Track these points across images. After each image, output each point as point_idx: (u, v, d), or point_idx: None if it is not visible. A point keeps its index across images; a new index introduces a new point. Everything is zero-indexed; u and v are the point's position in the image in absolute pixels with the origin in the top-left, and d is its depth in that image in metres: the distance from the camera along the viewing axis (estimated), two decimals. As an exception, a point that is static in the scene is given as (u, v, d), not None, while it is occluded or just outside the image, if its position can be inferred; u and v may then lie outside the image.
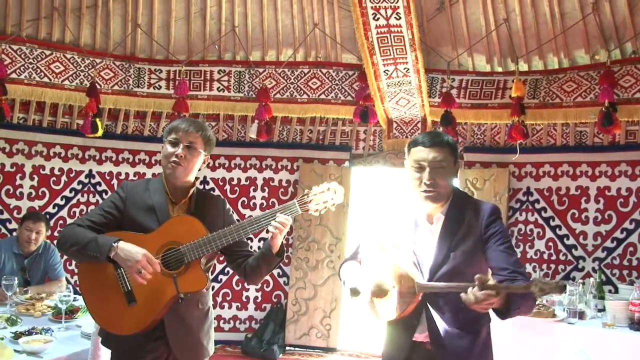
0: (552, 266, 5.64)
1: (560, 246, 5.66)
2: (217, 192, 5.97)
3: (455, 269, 2.13)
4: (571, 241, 5.63)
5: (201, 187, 5.94)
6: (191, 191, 2.47)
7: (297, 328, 6.02)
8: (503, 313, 1.97)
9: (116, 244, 2.21)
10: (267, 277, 6.17)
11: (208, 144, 2.47)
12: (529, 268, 5.66)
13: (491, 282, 1.84)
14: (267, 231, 2.35)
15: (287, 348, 5.97)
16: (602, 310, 4.13)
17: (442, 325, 2.16)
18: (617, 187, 5.48)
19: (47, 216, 5.82)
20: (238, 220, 2.47)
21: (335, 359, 5.83)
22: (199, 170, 2.52)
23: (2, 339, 2.80)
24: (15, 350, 2.66)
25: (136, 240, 2.26)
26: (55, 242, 2.37)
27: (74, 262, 5.94)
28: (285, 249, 2.45)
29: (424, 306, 2.18)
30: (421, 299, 2.14)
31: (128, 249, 2.21)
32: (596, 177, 5.59)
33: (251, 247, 2.61)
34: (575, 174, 5.66)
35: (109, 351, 2.51)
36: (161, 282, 2.25)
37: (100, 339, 2.48)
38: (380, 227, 2.37)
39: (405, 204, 2.33)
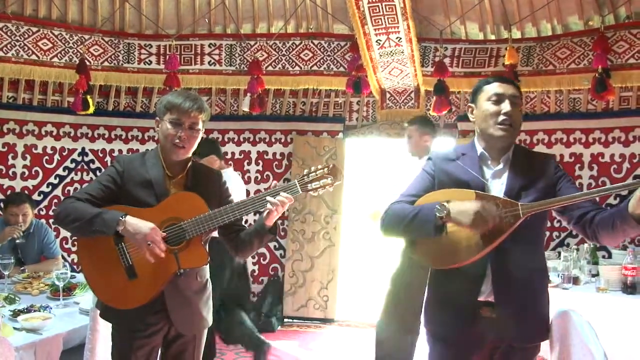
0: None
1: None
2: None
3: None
4: (565, 208, 5.66)
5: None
6: (188, 165, 2.45)
7: (294, 300, 6.07)
8: None
9: (124, 217, 2.21)
10: (264, 250, 6.21)
11: (207, 119, 2.45)
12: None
13: None
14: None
15: (286, 320, 6.02)
16: (596, 275, 4.17)
17: (509, 277, 2.13)
18: (610, 154, 5.49)
19: (41, 195, 5.84)
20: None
21: (334, 330, 5.90)
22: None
23: (2, 317, 2.82)
24: (14, 328, 2.69)
25: (137, 215, 2.25)
26: (53, 216, 2.34)
27: (69, 241, 5.95)
28: (278, 225, 2.43)
29: (488, 259, 2.12)
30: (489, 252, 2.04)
31: (136, 222, 2.21)
32: (590, 143, 5.59)
33: (246, 220, 2.60)
34: (569, 141, 5.66)
35: (108, 326, 2.53)
36: (162, 257, 2.26)
37: (99, 312, 2.49)
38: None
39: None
